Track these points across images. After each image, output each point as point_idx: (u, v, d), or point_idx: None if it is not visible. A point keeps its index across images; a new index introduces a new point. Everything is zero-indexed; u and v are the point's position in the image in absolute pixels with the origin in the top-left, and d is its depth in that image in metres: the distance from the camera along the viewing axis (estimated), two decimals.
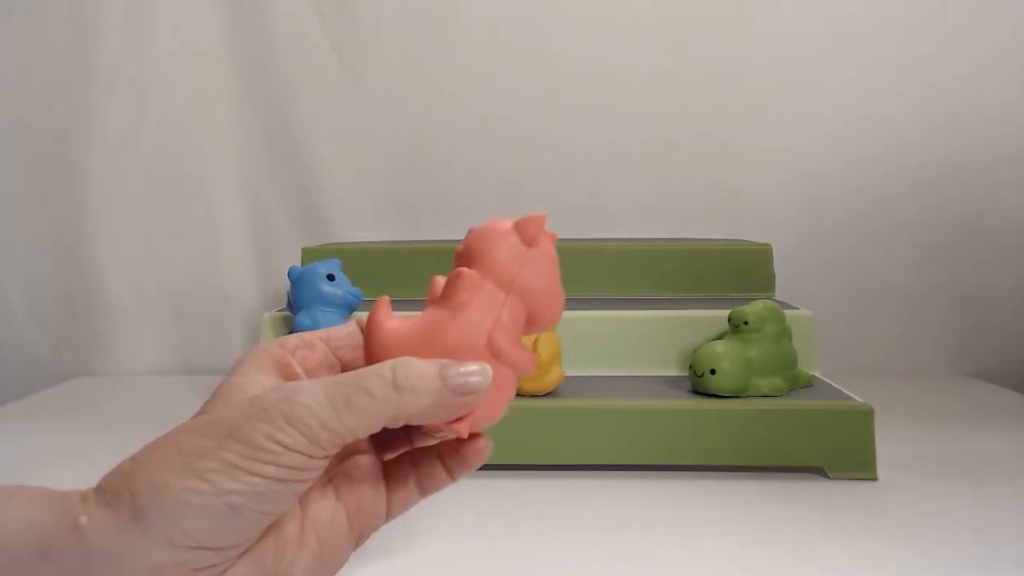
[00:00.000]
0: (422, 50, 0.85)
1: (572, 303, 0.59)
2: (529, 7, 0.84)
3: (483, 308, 0.27)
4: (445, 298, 0.27)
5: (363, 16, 0.85)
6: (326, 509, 0.27)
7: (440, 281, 0.28)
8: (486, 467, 0.47)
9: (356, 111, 0.85)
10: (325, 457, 0.24)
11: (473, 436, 0.28)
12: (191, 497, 0.23)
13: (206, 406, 0.26)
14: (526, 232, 0.27)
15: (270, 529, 0.25)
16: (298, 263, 0.66)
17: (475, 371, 0.26)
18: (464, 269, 0.27)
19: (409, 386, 0.25)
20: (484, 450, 0.29)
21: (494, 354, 0.27)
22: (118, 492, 0.24)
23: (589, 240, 0.76)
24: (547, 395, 0.52)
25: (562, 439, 0.51)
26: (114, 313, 0.86)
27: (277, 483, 0.24)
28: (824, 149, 0.83)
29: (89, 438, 0.58)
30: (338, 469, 0.28)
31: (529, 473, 0.51)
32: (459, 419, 0.26)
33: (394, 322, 0.27)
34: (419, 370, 0.25)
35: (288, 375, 0.28)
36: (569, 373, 0.54)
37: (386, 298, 0.28)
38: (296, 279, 0.59)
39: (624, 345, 0.59)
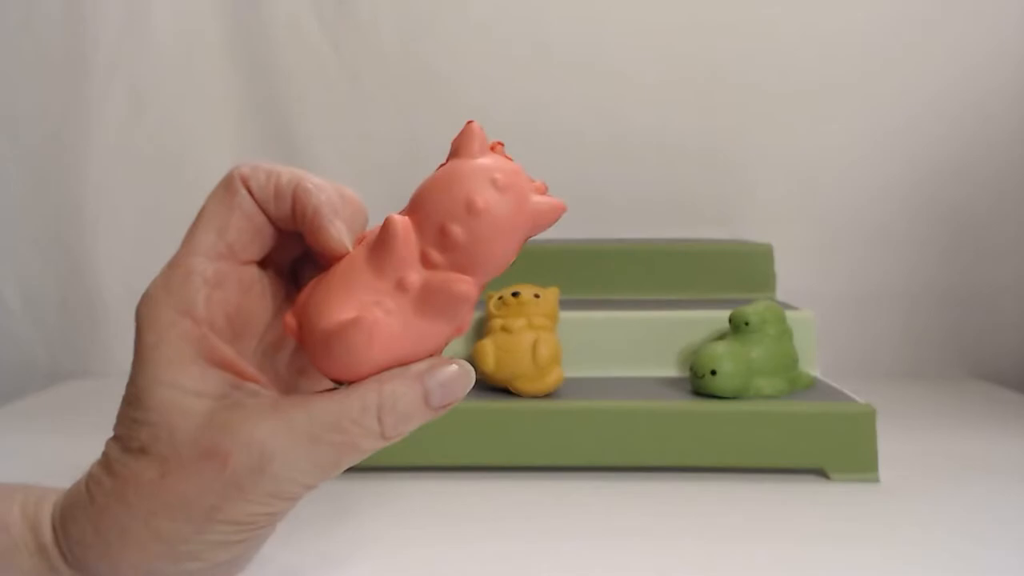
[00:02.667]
0: (422, 50, 0.84)
1: (572, 303, 0.59)
2: (529, 7, 0.84)
3: (467, 315, 0.25)
4: (430, 306, 0.24)
5: (363, 16, 0.85)
6: None
7: (405, 234, 0.24)
8: (486, 468, 0.47)
9: (355, 111, 0.85)
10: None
11: None
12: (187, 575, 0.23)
13: (134, 431, 0.24)
14: (539, 230, 0.25)
15: None
16: None
17: (460, 381, 0.24)
18: (465, 286, 0.23)
19: (398, 432, 0.23)
20: None
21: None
22: None
23: (589, 240, 0.75)
24: (547, 396, 0.52)
25: (562, 440, 0.50)
26: (111, 313, 0.86)
27: (262, 536, 0.24)
28: (825, 149, 0.83)
29: (86, 439, 0.58)
30: None
31: (529, 474, 0.50)
32: None
33: (376, 348, 0.23)
34: (405, 409, 0.23)
35: (215, 358, 0.24)
36: (569, 374, 0.54)
37: (364, 315, 0.23)
38: None
39: (624, 345, 0.58)
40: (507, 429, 0.50)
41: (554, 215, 0.25)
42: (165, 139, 0.85)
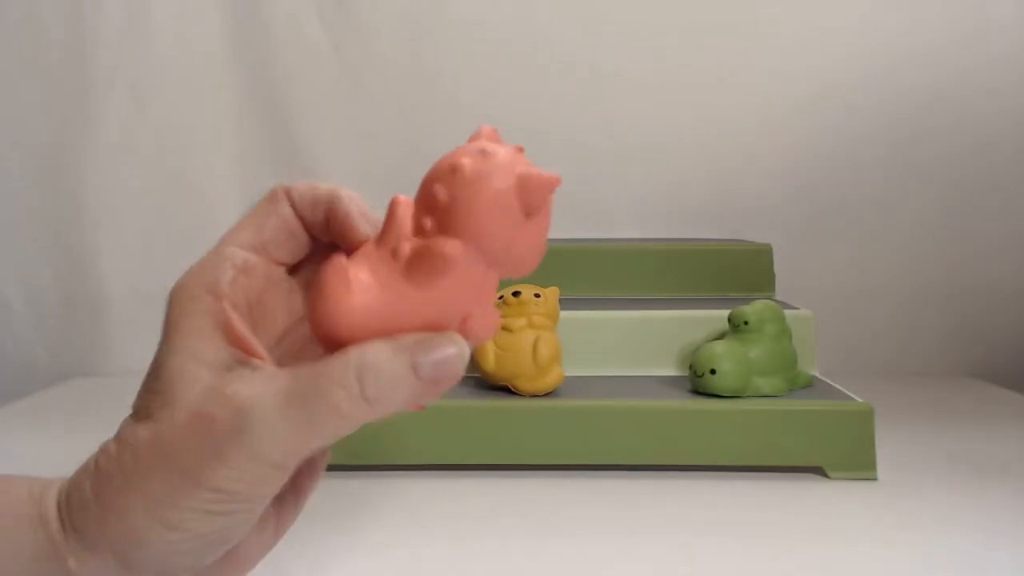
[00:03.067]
0: (422, 50, 0.85)
1: (572, 303, 0.59)
2: (529, 8, 0.84)
3: (463, 288, 0.23)
4: (417, 271, 0.23)
5: (363, 16, 0.85)
6: None
7: (404, 209, 0.24)
8: (486, 467, 0.47)
9: (356, 111, 0.85)
10: (290, 471, 0.24)
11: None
12: (173, 546, 0.23)
13: (147, 402, 0.25)
14: (530, 202, 0.23)
15: None
16: None
17: (451, 354, 0.23)
18: (448, 247, 0.23)
19: (381, 396, 0.23)
20: None
21: (465, 333, 0.24)
22: (95, 543, 0.24)
23: (589, 240, 0.76)
24: (547, 395, 0.52)
25: (561, 439, 0.50)
26: (113, 313, 0.86)
27: (248, 511, 0.24)
28: (826, 149, 0.83)
29: (87, 439, 0.58)
30: None
31: (528, 473, 0.50)
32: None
33: (355, 297, 0.23)
34: (390, 373, 0.23)
35: (233, 336, 0.25)
36: (569, 373, 0.54)
37: (342, 258, 0.23)
38: None
39: (624, 345, 0.59)
40: (507, 428, 0.50)
41: (544, 185, 0.23)
42: (166, 139, 0.86)
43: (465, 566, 0.39)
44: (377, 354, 0.23)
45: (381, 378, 0.22)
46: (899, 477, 0.50)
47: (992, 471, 0.51)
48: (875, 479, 0.49)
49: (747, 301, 0.55)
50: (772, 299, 0.61)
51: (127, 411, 0.26)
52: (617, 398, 0.51)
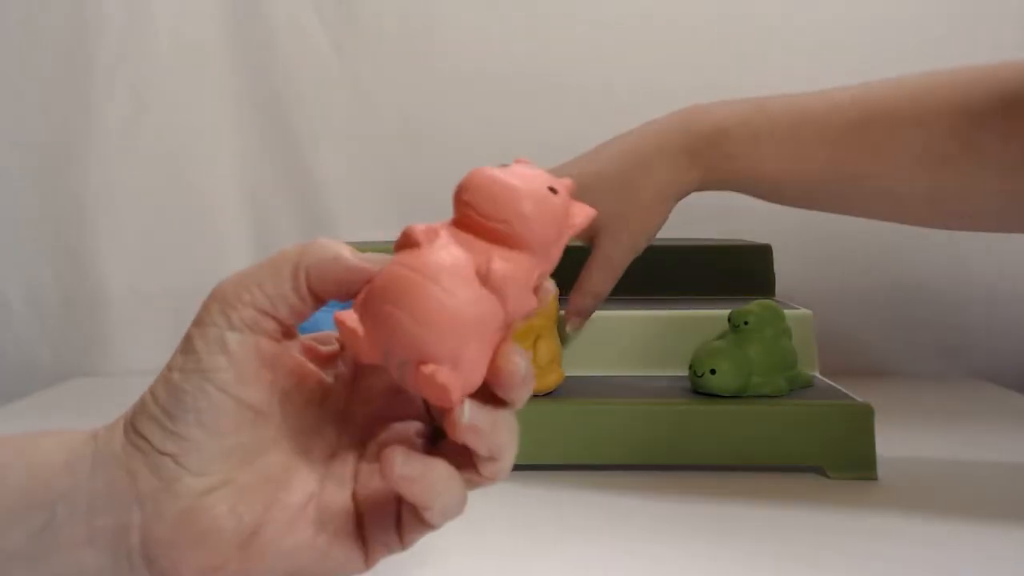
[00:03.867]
0: (423, 50, 0.85)
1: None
2: (529, 9, 0.84)
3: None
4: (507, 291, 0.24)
5: (364, 16, 0.85)
6: (340, 499, 0.27)
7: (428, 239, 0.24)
8: None
9: (356, 110, 0.85)
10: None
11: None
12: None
13: None
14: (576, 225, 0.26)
15: (275, 485, 0.26)
16: None
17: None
18: (548, 290, 0.27)
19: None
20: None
21: (490, 284, 0.24)
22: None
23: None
24: (547, 395, 0.52)
25: (561, 439, 0.51)
26: (114, 313, 0.86)
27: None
28: None
29: None
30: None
31: (528, 473, 0.50)
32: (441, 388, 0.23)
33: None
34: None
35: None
36: (569, 373, 0.54)
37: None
38: None
39: (624, 345, 0.59)
40: None
41: (585, 216, 0.26)
42: (166, 139, 0.86)
43: (465, 566, 0.39)
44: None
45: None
46: (899, 477, 0.50)
47: (992, 472, 0.51)
48: (875, 479, 0.49)
49: (747, 301, 0.55)
50: (772, 299, 0.61)
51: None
52: (617, 398, 0.51)
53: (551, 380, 0.51)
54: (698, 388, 0.52)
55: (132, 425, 0.26)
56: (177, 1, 0.85)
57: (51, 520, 0.24)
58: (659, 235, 0.82)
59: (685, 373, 0.54)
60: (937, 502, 0.46)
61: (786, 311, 0.56)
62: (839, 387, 0.54)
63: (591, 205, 0.26)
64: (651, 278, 0.68)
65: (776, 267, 0.69)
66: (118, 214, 0.86)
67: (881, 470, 0.50)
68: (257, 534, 0.25)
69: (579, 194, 0.26)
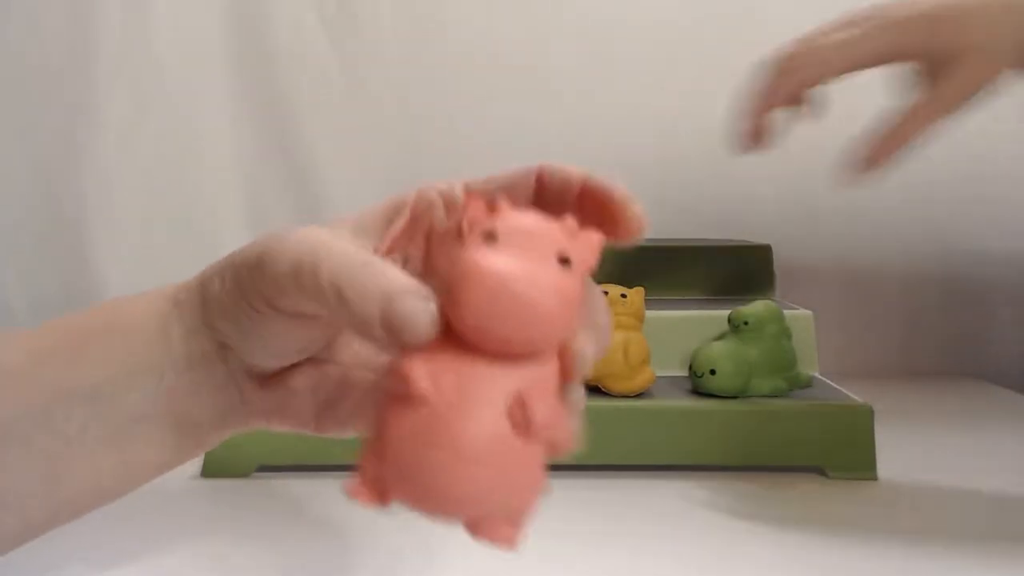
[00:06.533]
0: (423, 50, 0.85)
1: None
2: (530, 10, 0.84)
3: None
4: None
5: (364, 16, 0.85)
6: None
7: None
8: None
9: (357, 110, 0.85)
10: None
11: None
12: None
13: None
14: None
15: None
16: None
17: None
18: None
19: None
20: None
21: (531, 432, 0.21)
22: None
23: None
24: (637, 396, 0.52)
25: None
26: None
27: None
28: (826, 149, 0.83)
29: None
30: None
31: None
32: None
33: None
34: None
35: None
36: None
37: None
38: None
39: None
40: None
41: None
42: (166, 139, 0.86)
43: (465, 565, 0.39)
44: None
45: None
46: (899, 477, 0.50)
47: (992, 472, 0.51)
48: (875, 479, 0.49)
49: (747, 301, 0.55)
50: (772, 299, 0.61)
51: None
52: (617, 398, 0.51)
53: (642, 381, 0.51)
54: (698, 388, 0.52)
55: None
56: (177, 2, 0.85)
57: (160, 380, 0.26)
58: (659, 235, 0.82)
59: (685, 373, 0.54)
60: (937, 502, 0.46)
61: (786, 311, 0.56)
62: (839, 387, 0.54)
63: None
64: (651, 278, 0.68)
65: (776, 267, 0.69)
66: (120, 215, 0.85)
67: (881, 470, 0.50)
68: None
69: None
